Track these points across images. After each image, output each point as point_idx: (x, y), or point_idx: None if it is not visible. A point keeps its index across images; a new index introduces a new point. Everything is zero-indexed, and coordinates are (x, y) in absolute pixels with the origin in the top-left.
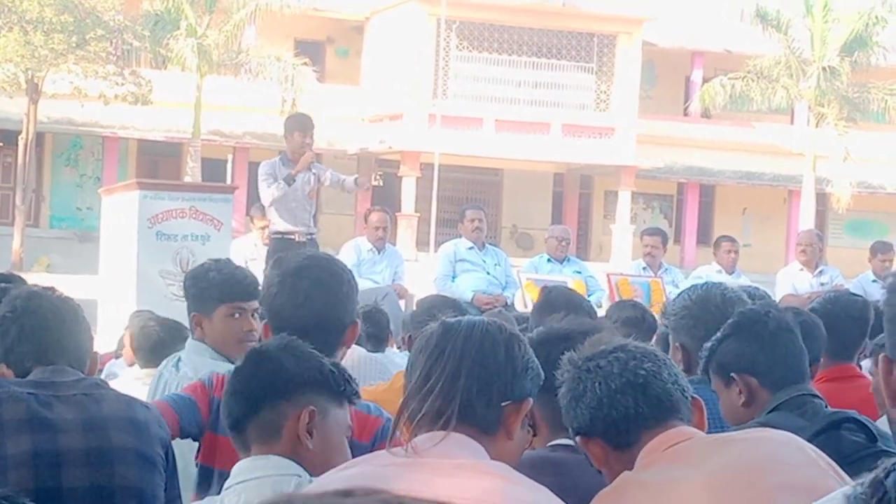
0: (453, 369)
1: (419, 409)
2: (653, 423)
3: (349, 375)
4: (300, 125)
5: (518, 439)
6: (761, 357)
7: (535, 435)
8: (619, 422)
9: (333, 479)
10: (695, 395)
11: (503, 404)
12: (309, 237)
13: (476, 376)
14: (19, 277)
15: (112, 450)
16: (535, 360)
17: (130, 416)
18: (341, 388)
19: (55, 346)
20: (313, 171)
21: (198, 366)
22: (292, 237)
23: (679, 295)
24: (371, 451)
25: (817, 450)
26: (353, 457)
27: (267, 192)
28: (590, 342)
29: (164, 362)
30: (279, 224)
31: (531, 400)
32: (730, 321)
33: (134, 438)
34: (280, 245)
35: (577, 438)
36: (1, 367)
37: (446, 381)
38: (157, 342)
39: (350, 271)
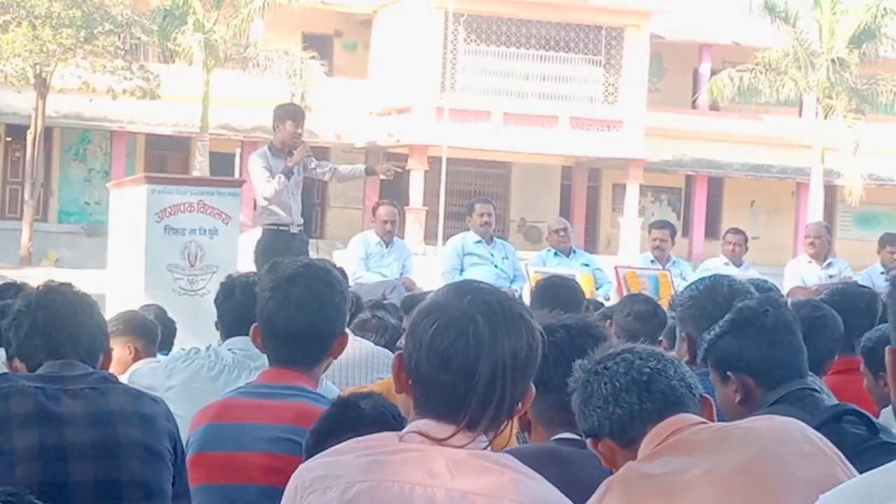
0: (495, 373)
1: (437, 403)
2: (656, 418)
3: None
4: (292, 114)
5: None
6: (758, 356)
7: (528, 432)
8: (623, 418)
9: (343, 462)
10: (704, 395)
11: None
12: (299, 228)
13: (518, 378)
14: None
15: (119, 444)
16: None
17: (138, 410)
18: None
19: (67, 340)
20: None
21: None
22: (287, 228)
23: (687, 286)
24: None
25: (823, 437)
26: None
27: (267, 187)
28: (601, 348)
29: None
30: (275, 216)
31: (534, 390)
32: (727, 317)
33: (141, 432)
34: (274, 236)
35: (588, 441)
36: (14, 361)
37: (470, 372)
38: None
39: (345, 283)
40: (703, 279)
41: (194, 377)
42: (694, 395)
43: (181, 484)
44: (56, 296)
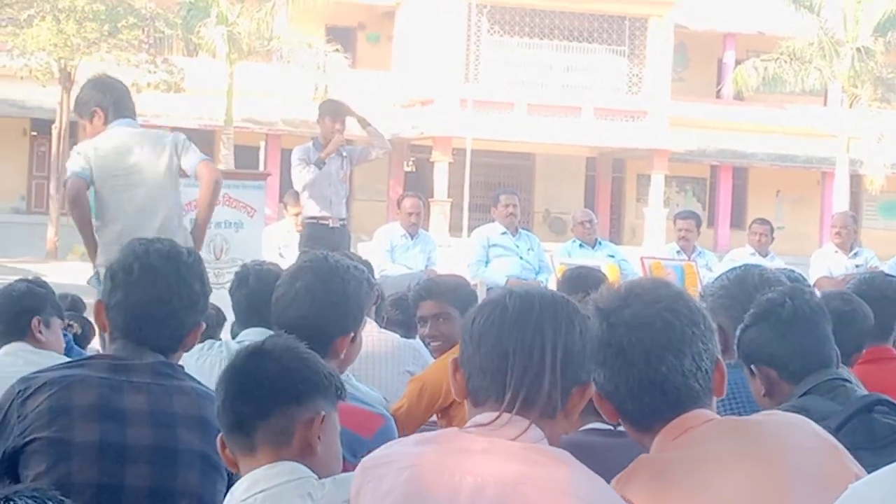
0: (532, 347)
1: (486, 386)
2: (669, 416)
3: (340, 378)
4: (331, 111)
5: (569, 424)
6: (778, 348)
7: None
8: (633, 412)
9: (399, 451)
10: (718, 358)
11: (574, 389)
12: (341, 223)
13: (559, 357)
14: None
15: (178, 451)
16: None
17: (200, 414)
18: (339, 392)
19: (159, 329)
20: (344, 154)
21: None
22: (326, 222)
23: (718, 276)
24: (372, 449)
25: (829, 435)
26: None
27: (299, 177)
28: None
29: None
30: (312, 209)
31: (594, 384)
32: (750, 311)
33: (200, 440)
34: (313, 230)
35: (595, 391)
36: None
37: (522, 360)
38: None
39: (355, 282)
40: (733, 269)
41: (205, 375)
42: (710, 378)
43: None
44: (157, 272)
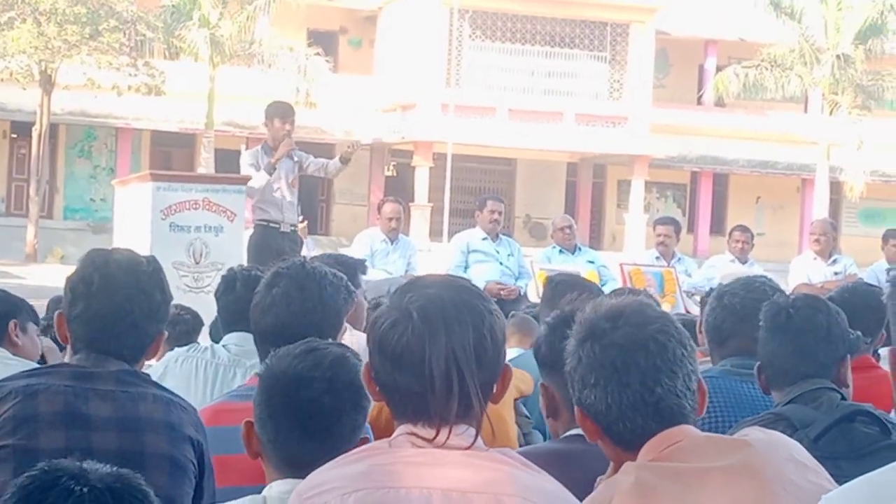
0: (449, 361)
1: (414, 406)
2: (657, 432)
3: None
4: (280, 112)
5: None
6: (765, 355)
7: (555, 419)
8: (623, 433)
9: (337, 475)
10: (699, 378)
11: (495, 382)
12: (292, 228)
13: (476, 358)
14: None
15: (144, 454)
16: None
17: (166, 419)
18: None
19: (112, 340)
20: (295, 159)
21: None
22: (277, 226)
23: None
24: None
25: (806, 451)
26: None
27: (249, 183)
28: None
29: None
30: (263, 213)
31: (510, 367)
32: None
33: (167, 443)
34: (263, 234)
35: (576, 409)
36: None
37: (443, 378)
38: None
39: (331, 289)
40: (742, 280)
41: (189, 378)
42: (695, 404)
43: (210, 497)
44: (117, 283)
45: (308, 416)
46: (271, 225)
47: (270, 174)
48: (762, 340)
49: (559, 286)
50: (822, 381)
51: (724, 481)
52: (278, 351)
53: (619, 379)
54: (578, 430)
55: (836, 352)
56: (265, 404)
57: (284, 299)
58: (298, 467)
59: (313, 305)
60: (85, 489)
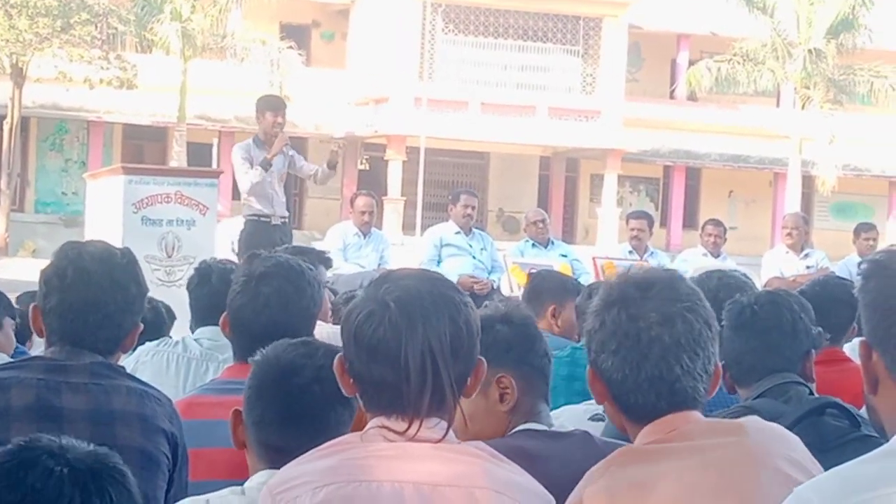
0: (424, 353)
1: (388, 398)
2: (664, 413)
3: None
4: (271, 105)
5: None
6: (730, 351)
7: (511, 409)
8: (633, 405)
9: (309, 469)
10: (717, 362)
11: (468, 376)
12: (283, 220)
13: (451, 351)
14: None
15: (116, 447)
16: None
17: (139, 412)
18: None
19: (86, 333)
20: (291, 153)
21: None
22: (268, 220)
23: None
24: None
25: (805, 448)
26: None
27: (245, 178)
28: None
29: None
30: (254, 206)
31: (484, 361)
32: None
33: (140, 436)
34: (255, 227)
35: (589, 370)
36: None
37: (419, 370)
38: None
39: (316, 285)
40: (706, 273)
41: (161, 372)
42: (708, 388)
43: (181, 491)
44: (90, 275)
45: (296, 401)
46: (262, 218)
47: (267, 170)
48: (726, 339)
49: (541, 281)
50: (789, 376)
51: (717, 470)
52: (275, 343)
53: (640, 351)
54: (530, 425)
55: (801, 346)
56: (255, 387)
57: (282, 299)
58: (279, 455)
59: (307, 303)
60: (65, 470)
